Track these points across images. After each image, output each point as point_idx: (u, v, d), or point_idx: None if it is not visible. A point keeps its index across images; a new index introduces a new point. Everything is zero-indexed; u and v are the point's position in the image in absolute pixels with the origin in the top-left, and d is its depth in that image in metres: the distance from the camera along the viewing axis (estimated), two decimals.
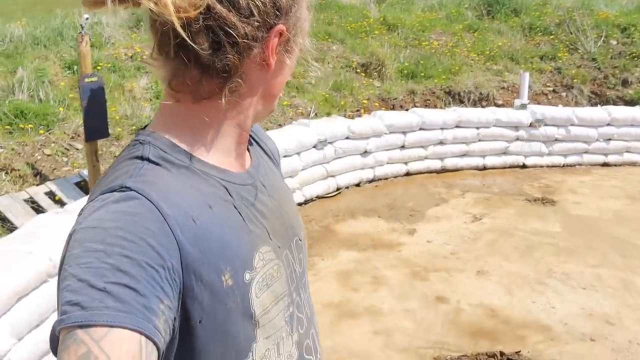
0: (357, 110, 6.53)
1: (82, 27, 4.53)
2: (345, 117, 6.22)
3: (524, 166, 6.83)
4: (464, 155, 6.65)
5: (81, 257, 0.67)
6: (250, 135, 0.96)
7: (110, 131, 4.93)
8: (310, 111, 7.06)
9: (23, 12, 10.34)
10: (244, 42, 0.76)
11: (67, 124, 5.57)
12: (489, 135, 6.63)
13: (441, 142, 6.51)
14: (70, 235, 0.71)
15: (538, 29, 9.37)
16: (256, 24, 0.76)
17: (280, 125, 6.38)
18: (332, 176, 5.84)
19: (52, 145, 5.26)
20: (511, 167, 6.81)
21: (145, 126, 0.84)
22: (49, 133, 5.32)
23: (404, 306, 3.75)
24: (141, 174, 0.75)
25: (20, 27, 7.64)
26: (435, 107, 7.57)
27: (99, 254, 0.66)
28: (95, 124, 4.59)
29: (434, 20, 9.36)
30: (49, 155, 5.19)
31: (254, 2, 0.75)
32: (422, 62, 8.14)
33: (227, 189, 0.82)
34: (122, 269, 0.65)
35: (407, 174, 6.45)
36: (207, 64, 0.76)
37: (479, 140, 6.64)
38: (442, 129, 6.46)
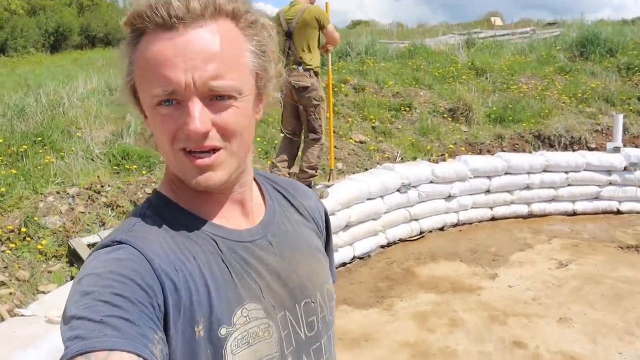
0: (442, 155, 6.62)
1: None
2: (429, 161, 6.33)
3: (618, 212, 6.58)
4: (552, 200, 6.53)
5: (79, 301, 0.73)
6: (279, 191, 1.03)
7: None
8: (397, 156, 7.26)
9: None
10: None
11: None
12: (579, 180, 6.48)
13: (528, 187, 6.44)
14: (70, 288, 0.78)
15: (636, 68, 9.08)
16: None
17: (367, 169, 6.61)
18: (416, 219, 5.95)
19: (153, 184, 5.78)
20: (604, 212, 6.58)
21: None
22: (150, 173, 5.87)
23: (480, 349, 3.76)
24: (132, 229, 0.83)
25: None
26: (524, 151, 7.51)
27: (93, 294, 0.73)
28: None
29: (523, 64, 9.33)
30: (149, 193, 5.72)
31: None
32: (510, 106, 8.13)
33: (216, 243, 0.86)
34: (115, 304, 0.72)
35: (493, 218, 6.42)
36: None
37: (568, 185, 6.51)
38: (528, 173, 6.41)
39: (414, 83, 8.76)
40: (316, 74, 4.75)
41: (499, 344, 3.83)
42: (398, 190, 5.72)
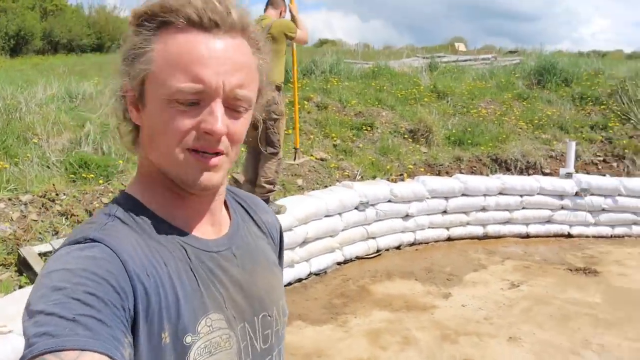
0: (401, 175, 6.72)
1: None
2: (389, 180, 6.41)
3: (569, 235, 6.78)
4: (506, 222, 6.69)
5: (47, 296, 0.71)
6: (241, 204, 1.05)
7: None
8: (357, 174, 7.32)
9: (95, 72, 11.25)
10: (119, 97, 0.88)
11: (125, 175, 6.03)
12: (533, 203, 6.66)
13: (484, 209, 6.58)
14: (36, 281, 0.76)
15: (589, 98, 9.44)
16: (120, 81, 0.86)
17: (326, 186, 6.65)
18: (373, 238, 6.00)
19: (110, 194, 5.69)
20: (555, 236, 6.77)
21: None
22: (108, 183, 5.77)
23: None
24: (105, 228, 0.82)
25: (92, 85, 8.40)
26: (481, 173, 7.69)
27: (65, 291, 0.71)
28: None
29: (483, 89, 9.58)
30: (105, 203, 5.62)
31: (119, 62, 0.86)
32: (469, 129, 8.32)
33: (186, 251, 0.86)
34: (88, 303, 0.70)
35: (449, 239, 6.53)
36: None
37: (523, 208, 6.68)
38: (485, 195, 6.55)
39: (377, 103, 8.89)
40: (278, 88, 4.78)
41: None
42: (356, 208, 5.77)
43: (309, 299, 4.92)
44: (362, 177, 7.26)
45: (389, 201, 6.08)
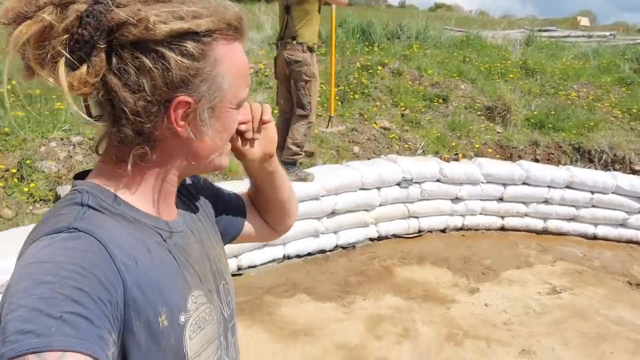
0: (455, 154, 6.25)
1: None
2: (441, 159, 5.98)
3: None
4: (571, 219, 6.05)
5: (32, 289, 0.67)
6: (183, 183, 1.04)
7: None
8: (418, 148, 6.92)
9: None
10: (135, 117, 0.79)
11: None
12: (605, 203, 5.95)
13: (546, 201, 5.98)
14: (15, 272, 0.72)
15: None
16: (148, 98, 0.79)
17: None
18: (415, 217, 5.65)
19: None
20: (628, 242, 6.03)
21: (81, 173, 0.91)
22: None
23: None
24: (85, 217, 0.79)
25: None
26: (559, 162, 7.01)
27: (52, 285, 0.67)
28: None
29: (580, 70, 8.65)
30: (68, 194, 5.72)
31: (143, 78, 0.78)
32: (553, 112, 7.56)
33: (161, 235, 0.87)
34: (76, 300, 0.67)
35: (502, 228, 6.02)
36: (112, 132, 0.82)
37: (592, 207, 5.99)
38: (549, 187, 5.94)
39: (457, 75, 8.30)
40: (310, 49, 4.52)
41: None
42: (398, 184, 5.44)
43: (325, 272, 4.73)
44: (423, 151, 6.85)
45: (437, 181, 5.67)
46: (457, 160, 6.02)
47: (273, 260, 4.71)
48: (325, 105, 6.83)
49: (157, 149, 0.84)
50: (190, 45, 0.79)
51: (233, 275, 4.40)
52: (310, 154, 6.29)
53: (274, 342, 3.61)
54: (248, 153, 1.05)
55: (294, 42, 4.52)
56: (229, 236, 1.17)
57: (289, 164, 4.74)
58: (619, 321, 4.35)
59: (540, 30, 13.18)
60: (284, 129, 4.81)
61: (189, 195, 1.06)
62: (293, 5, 4.54)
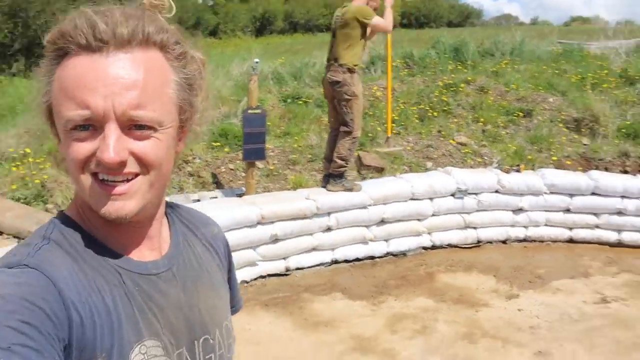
0: (517, 165, 6.22)
1: (253, 69, 5.63)
2: (502, 171, 6.02)
3: None
4: None
5: None
6: (183, 222, 1.02)
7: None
8: (494, 162, 6.96)
9: (309, 50, 12.27)
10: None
11: None
12: None
13: (620, 212, 5.74)
14: None
15: None
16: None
17: None
18: (474, 228, 5.75)
19: (238, 162, 6.50)
20: None
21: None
22: (235, 153, 6.57)
23: (424, 359, 3.73)
24: (39, 253, 0.79)
25: (277, 64, 9.37)
26: None
27: None
28: (254, 148, 5.59)
29: None
30: (231, 169, 6.45)
31: None
32: None
33: (121, 276, 0.83)
34: (23, 332, 0.68)
35: (571, 240, 5.87)
36: None
37: None
38: (622, 197, 5.71)
39: (547, 88, 8.15)
40: (350, 71, 4.94)
41: None
42: (452, 195, 5.61)
43: (367, 276, 5.06)
44: (499, 165, 6.88)
45: (496, 192, 5.74)
46: (518, 171, 6.00)
47: (321, 264, 5.14)
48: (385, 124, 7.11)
49: None
50: (42, 64, 0.81)
51: (279, 275, 4.92)
52: (380, 170, 6.66)
53: (295, 330, 4.04)
54: None
55: (336, 63, 5.00)
56: None
57: (336, 176, 5.18)
58: None
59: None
60: (332, 144, 5.28)
61: (208, 244, 1.04)
62: (337, 30, 5.03)
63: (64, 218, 0.86)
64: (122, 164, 0.77)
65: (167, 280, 0.89)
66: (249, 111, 5.50)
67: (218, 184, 6.22)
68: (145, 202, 0.82)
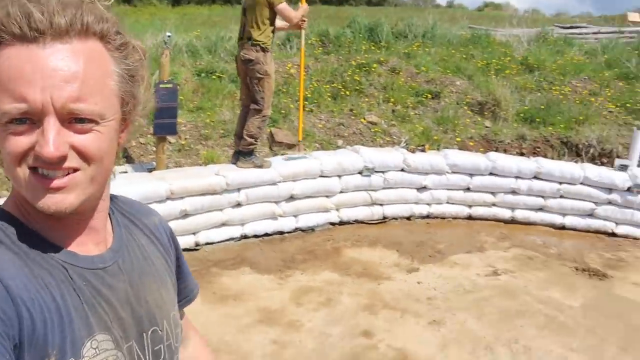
0: (422, 145, 6.52)
1: (165, 43, 5.51)
2: (408, 150, 6.28)
3: (612, 234, 6.08)
4: (539, 209, 6.19)
5: None
6: (125, 215, 1.00)
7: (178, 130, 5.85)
8: (402, 141, 7.22)
9: (227, 23, 12.04)
10: None
11: None
12: (573, 193, 6.06)
13: (514, 192, 6.16)
14: None
15: None
16: None
17: None
18: (380, 204, 5.98)
19: (149, 136, 6.36)
20: (597, 232, 6.11)
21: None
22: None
23: (328, 330, 3.88)
24: None
25: (191, 36, 9.17)
26: (545, 156, 7.09)
27: None
28: (165, 122, 5.50)
29: (581, 65, 8.64)
30: (142, 143, 6.32)
31: None
32: (542, 107, 7.66)
33: (67, 271, 0.81)
34: None
35: (470, 217, 6.25)
36: None
37: (560, 197, 6.11)
38: (517, 177, 6.12)
39: (455, 72, 8.51)
40: (263, 49, 4.96)
41: (349, 330, 3.92)
42: (360, 173, 5.80)
43: (276, 251, 5.16)
44: (406, 144, 7.15)
45: (402, 170, 5.98)
46: (423, 151, 6.28)
47: (231, 239, 5.19)
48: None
49: None
50: None
51: (189, 249, 4.92)
52: (291, 146, 6.75)
53: (203, 304, 4.08)
54: None
55: (249, 42, 5.00)
56: None
57: (246, 153, 5.21)
58: (546, 301, 4.54)
59: (570, 27, 13.08)
60: (243, 121, 5.29)
61: (151, 235, 1.03)
62: (247, 9, 5.02)
63: (2, 213, 0.83)
64: (63, 159, 0.75)
65: (113, 274, 0.88)
66: (161, 85, 5.39)
67: (128, 159, 6.07)
68: (86, 196, 0.81)
